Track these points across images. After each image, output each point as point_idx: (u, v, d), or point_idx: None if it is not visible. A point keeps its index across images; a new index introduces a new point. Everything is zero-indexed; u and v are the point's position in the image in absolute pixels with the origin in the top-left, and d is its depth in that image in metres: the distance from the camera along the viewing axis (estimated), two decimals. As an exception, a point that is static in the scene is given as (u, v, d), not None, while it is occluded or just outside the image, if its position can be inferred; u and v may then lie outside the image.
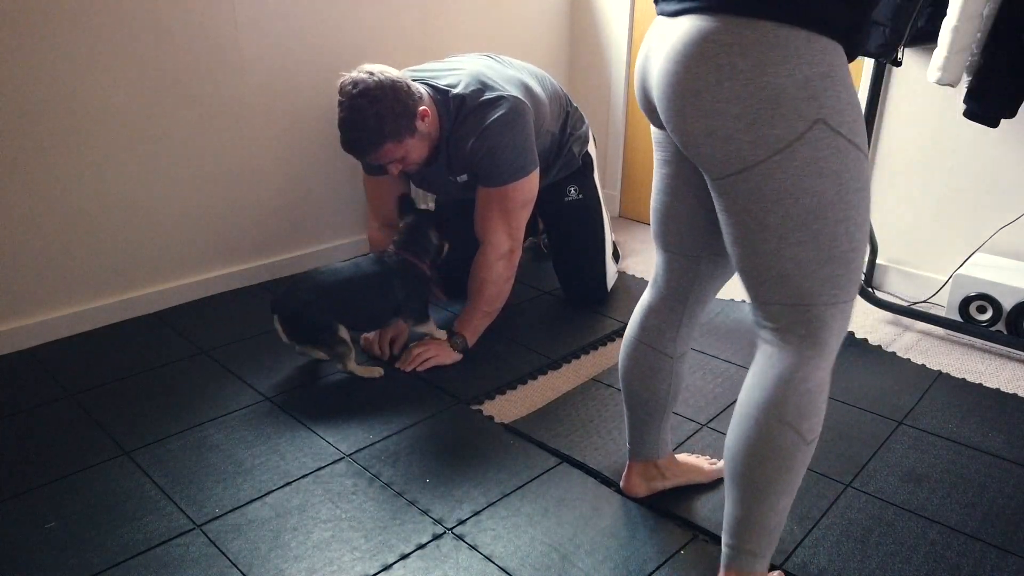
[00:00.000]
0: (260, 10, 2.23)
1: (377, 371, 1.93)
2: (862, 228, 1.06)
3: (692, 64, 1.00)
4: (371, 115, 1.77)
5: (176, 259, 2.28)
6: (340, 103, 1.80)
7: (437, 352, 1.98)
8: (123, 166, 2.10)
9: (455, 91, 1.93)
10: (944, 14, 1.61)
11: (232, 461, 1.61)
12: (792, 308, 1.09)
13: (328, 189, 2.57)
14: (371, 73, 1.80)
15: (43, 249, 2.02)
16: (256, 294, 2.40)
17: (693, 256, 1.28)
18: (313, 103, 2.43)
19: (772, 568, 1.34)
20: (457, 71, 1.99)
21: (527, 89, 2.01)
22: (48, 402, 1.80)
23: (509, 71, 2.04)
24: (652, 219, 1.30)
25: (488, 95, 1.92)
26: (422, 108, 1.86)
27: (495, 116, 1.89)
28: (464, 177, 2.02)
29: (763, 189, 1.02)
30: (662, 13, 1.07)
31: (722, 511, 1.46)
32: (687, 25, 1.01)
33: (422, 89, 1.91)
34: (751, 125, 0.99)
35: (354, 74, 1.80)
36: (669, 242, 1.29)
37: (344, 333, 1.88)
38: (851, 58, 1.04)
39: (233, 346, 2.08)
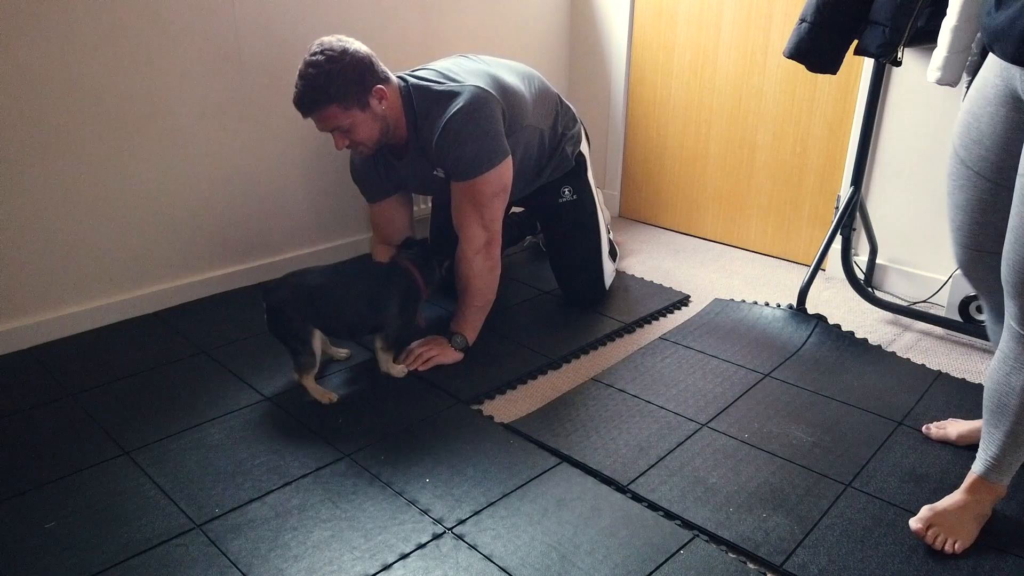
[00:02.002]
0: (260, 10, 2.23)
1: (330, 396, 1.82)
2: None
3: None
4: (323, 73, 1.78)
5: (176, 259, 2.28)
6: (304, 60, 1.82)
7: (439, 351, 1.98)
8: (123, 166, 2.10)
9: (416, 82, 1.95)
10: (944, 14, 1.61)
11: (232, 461, 1.61)
12: None
13: (329, 189, 2.57)
14: (339, 39, 1.83)
15: (43, 249, 2.02)
16: (256, 294, 2.39)
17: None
18: (313, 103, 2.43)
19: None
20: (425, 67, 2.03)
21: (495, 80, 2.00)
22: (48, 402, 1.80)
23: (478, 66, 2.05)
24: None
25: (447, 86, 1.92)
26: (379, 87, 1.86)
27: (455, 108, 1.89)
28: (441, 172, 2.03)
29: None
30: None
31: (721, 512, 1.48)
32: None
33: (393, 77, 1.92)
34: None
35: (325, 38, 1.83)
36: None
37: (316, 345, 1.80)
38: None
39: (233, 346, 2.07)
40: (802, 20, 1.89)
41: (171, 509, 1.46)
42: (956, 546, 1.37)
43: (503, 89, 1.99)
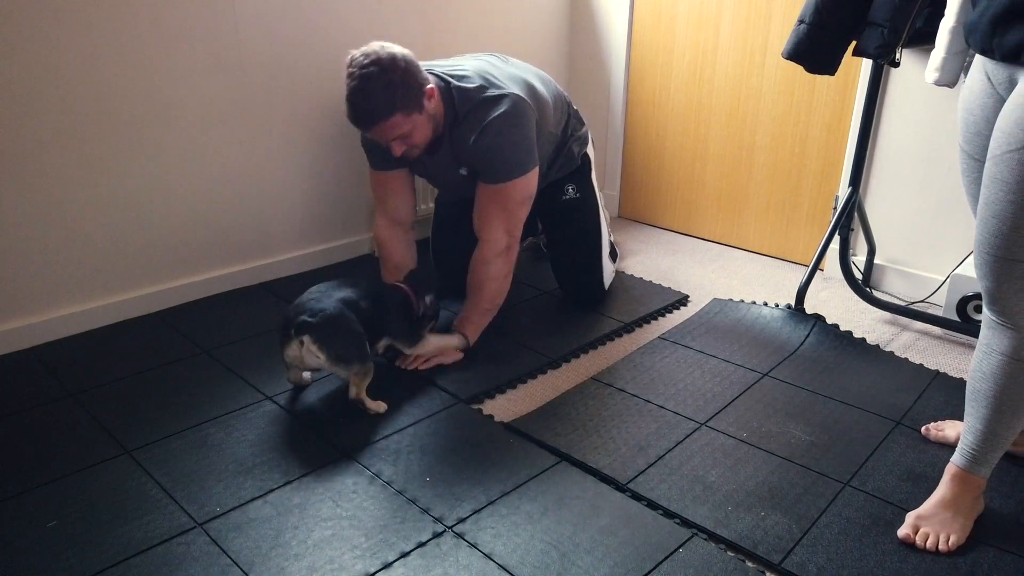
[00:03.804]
0: (260, 9, 2.23)
1: (382, 406, 1.80)
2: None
3: None
4: (382, 84, 1.75)
5: (176, 259, 2.28)
6: (350, 74, 1.77)
7: (439, 351, 1.99)
8: (123, 166, 2.10)
9: (457, 84, 1.93)
10: (942, 15, 1.61)
11: (233, 460, 1.61)
12: None
13: (329, 188, 2.57)
14: (383, 46, 1.80)
15: (43, 249, 2.02)
16: (256, 294, 2.40)
17: None
18: (313, 103, 2.44)
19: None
20: (461, 67, 2.00)
21: (531, 88, 2.02)
22: (48, 402, 1.81)
23: (513, 70, 2.05)
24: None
25: (491, 92, 1.92)
26: (429, 87, 1.86)
27: (497, 113, 1.90)
28: (465, 171, 2.03)
29: None
30: None
31: (720, 510, 1.48)
32: None
33: (427, 74, 1.91)
34: None
35: (364, 47, 1.79)
36: None
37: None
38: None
39: (234, 346, 2.08)
40: (800, 21, 1.90)
41: (172, 508, 1.46)
42: (950, 542, 1.38)
43: (536, 97, 2.02)
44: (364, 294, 1.84)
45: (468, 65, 2.00)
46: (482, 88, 1.93)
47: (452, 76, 1.95)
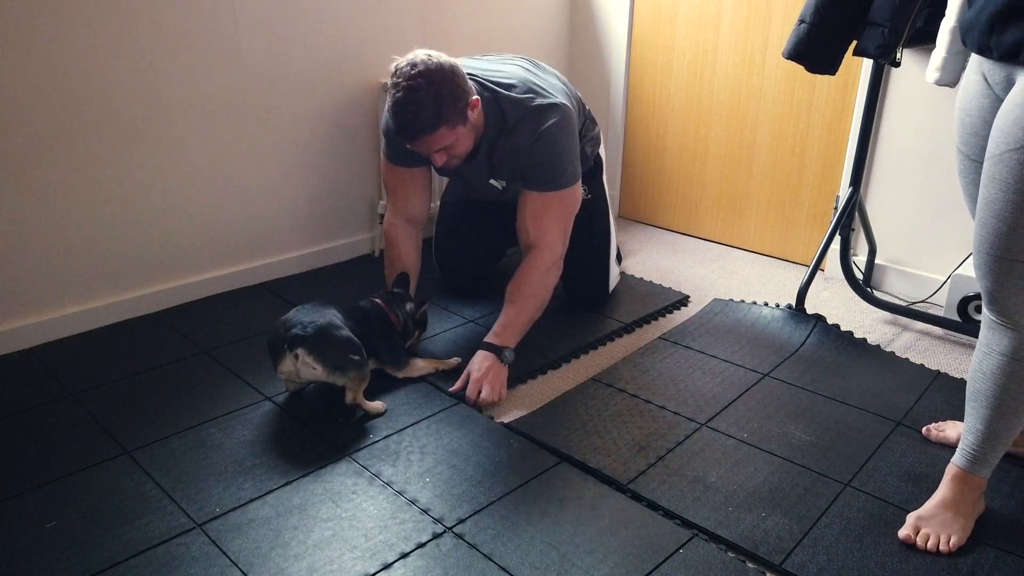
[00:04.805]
0: (261, 10, 2.23)
1: (382, 407, 1.79)
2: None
3: None
4: (430, 97, 1.72)
5: (176, 259, 2.28)
6: (396, 84, 1.73)
7: (495, 382, 1.86)
8: (123, 165, 2.10)
9: (505, 93, 1.91)
10: (942, 15, 1.61)
11: (232, 460, 1.61)
12: None
13: (329, 188, 2.57)
14: (429, 55, 1.76)
15: (43, 249, 2.02)
16: (256, 294, 2.40)
17: None
18: (313, 103, 2.43)
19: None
20: (502, 71, 1.97)
21: (568, 96, 2.01)
22: (48, 402, 1.81)
23: (550, 78, 2.04)
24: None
25: (541, 101, 1.90)
26: (474, 98, 1.83)
27: (551, 122, 1.89)
28: (502, 183, 2.01)
29: None
30: None
31: (721, 511, 1.48)
32: None
33: (471, 83, 1.88)
34: None
35: (410, 56, 1.76)
36: None
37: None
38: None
39: (234, 346, 2.08)
40: (801, 21, 1.90)
41: (172, 508, 1.46)
42: (951, 543, 1.38)
43: (572, 105, 2.02)
44: (347, 315, 1.81)
45: (507, 70, 1.97)
46: (530, 97, 1.91)
47: (497, 84, 1.92)
